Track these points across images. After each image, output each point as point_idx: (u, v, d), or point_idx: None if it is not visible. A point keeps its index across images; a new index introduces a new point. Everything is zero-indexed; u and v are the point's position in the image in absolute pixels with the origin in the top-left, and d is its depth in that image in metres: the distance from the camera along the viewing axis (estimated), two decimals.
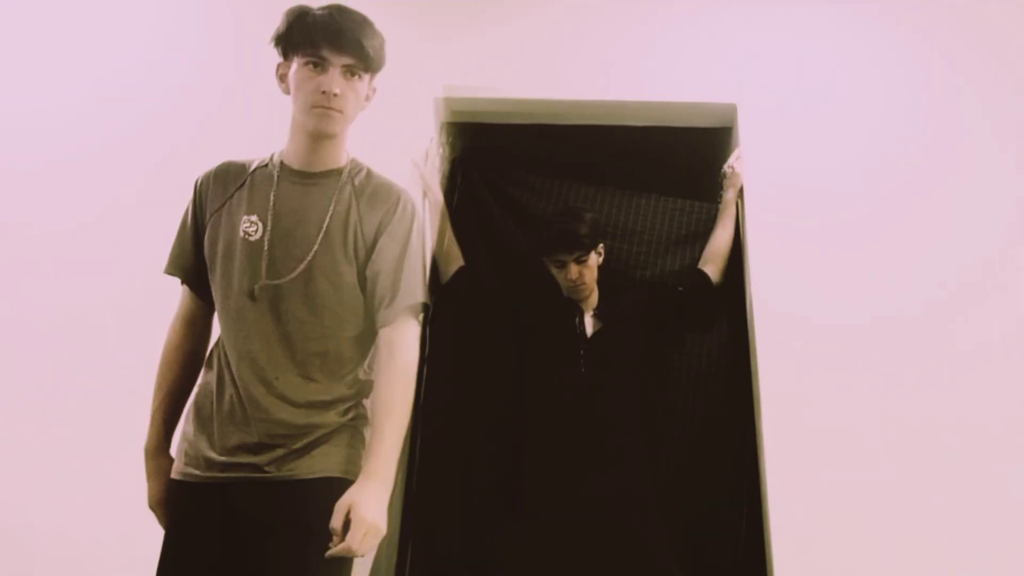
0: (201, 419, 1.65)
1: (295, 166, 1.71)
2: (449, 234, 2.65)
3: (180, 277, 1.75)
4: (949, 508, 2.38)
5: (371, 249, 1.67)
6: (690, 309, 2.67)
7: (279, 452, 1.56)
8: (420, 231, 1.75)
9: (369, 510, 1.48)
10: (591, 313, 2.59)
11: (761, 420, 2.47)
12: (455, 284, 2.61)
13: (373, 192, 1.72)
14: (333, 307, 1.64)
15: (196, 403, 1.69)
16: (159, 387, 1.71)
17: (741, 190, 2.68)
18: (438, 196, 2.66)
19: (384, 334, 1.66)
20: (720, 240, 2.68)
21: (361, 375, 1.69)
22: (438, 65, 2.86)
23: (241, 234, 1.63)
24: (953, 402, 2.47)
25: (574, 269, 2.54)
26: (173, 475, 1.66)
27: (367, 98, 1.78)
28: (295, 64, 1.65)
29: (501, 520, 2.40)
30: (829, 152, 2.74)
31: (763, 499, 2.46)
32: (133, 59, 2.90)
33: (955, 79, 2.80)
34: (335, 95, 1.63)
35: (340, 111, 1.66)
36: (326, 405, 1.62)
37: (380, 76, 2.86)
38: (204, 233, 1.70)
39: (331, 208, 1.66)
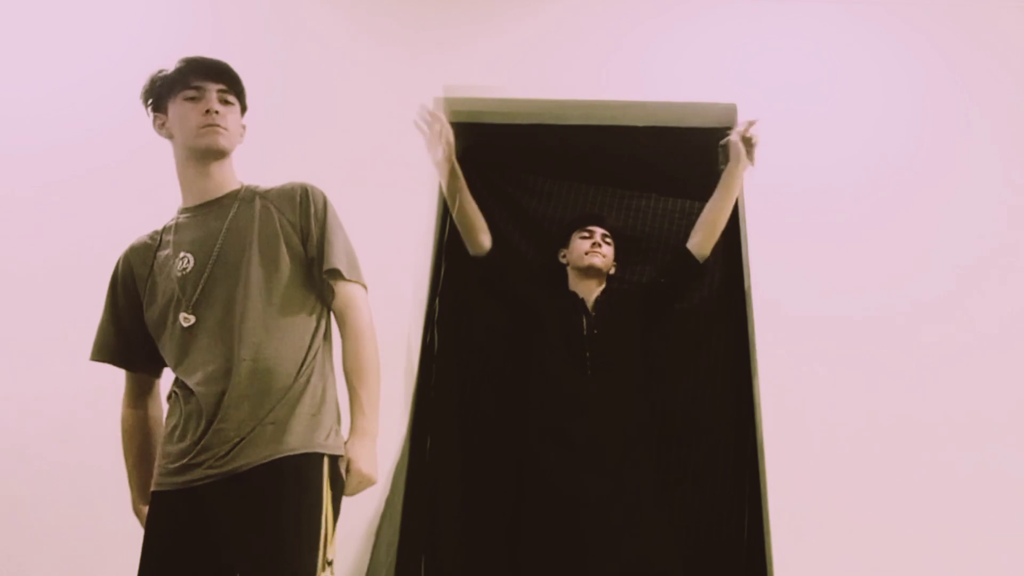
0: (172, 440, 1.74)
1: (194, 203, 1.83)
2: (465, 197, 2.55)
3: (108, 360, 1.85)
4: (949, 503, 2.38)
5: (302, 234, 1.82)
6: (675, 295, 2.66)
7: (241, 442, 1.65)
8: (332, 209, 1.87)
9: (365, 463, 1.72)
10: (592, 304, 2.59)
11: (761, 419, 2.47)
12: (488, 268, 2.60)
13: (279, 193, 1.85)
14: (278, 289, 1.76)
15: (170, 429, 1.77)
16: (127, 459, 1.86)
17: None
18: (437, 155, 2.51)
19: (335, 304, 1.83)
20: (712, 210, 2.57)
21: (301, 349, 1.77)
22: (438, 65, 2.86)
23: (178, 274, 1.76)
24: (952, 398, 2.47)
25: (599, 236, 2.63)
26: (153, 487, 1.74)
27: (242, 131, 1.88)
28: (172, 107, 1.80)
29: (507, 529, 2.39)
30: (828, 152, 2.74)
31: (763, 497, 2.46)
32: (126, 52, 2.90)
33: (954, 79, 2.81)
34: (217, 112, 1.77)
35: (225, 128, 1.79)
36: (291, 375, 1.72)
37: (381, 75, 2.90)
38: (140, 310, 1.82)
39: (241, 216, 1.80)
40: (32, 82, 2.87)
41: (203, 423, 1.68)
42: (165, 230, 1.86)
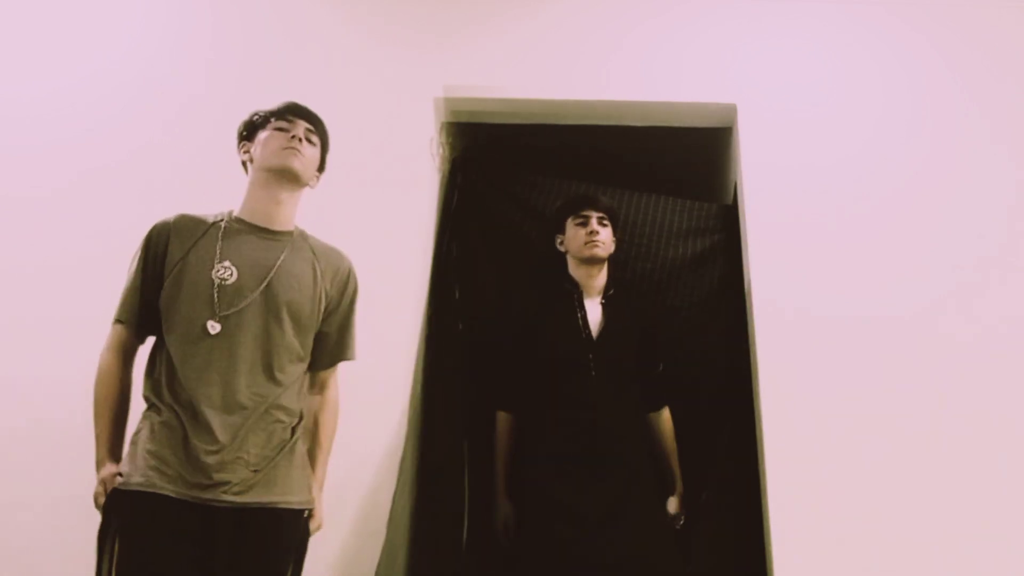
0: (172, 442, 1.76)
1: (255, 222, 1.94)
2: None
3: (134, 322, 1.89)
4: (950, 502, 2.38)
5: (329, 306, 1.98)
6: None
7: (255, 477, 1.78)
8: (357, 295, 2.07)
9: (321, 512, 1.97)
10: (597, 299, 2.56)
11: (761, 418, 2.47)
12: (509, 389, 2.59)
13: (327, 255, 2.01)
14: (296, 345, 1.90)
15: (160, 427, 1.78)
16: (103, 412, 1.85)
17: None
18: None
19: (321, 375, 2.03)
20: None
21: (299, 404, 1.94)
22: (438, 65, 2.86)
23: (215, 280, 1.83)
24: (953, 397, 2.47)
25: (595, 222, 2.55)
26: (140, 487, 1.73)
27: (318, 172, 2.07)
28: (260, 134, 1.97)
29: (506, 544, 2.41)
30: (828, 152, 2.74)
31: (763, 496, 2.46)
32: (126, 52, 2.90)
33: (954, 79, 2.81)
34: (300, 139, 1.96)
35: (303, 153, 1.95)
36: (288, 427, 1.87)
37: (381, 75, 2.90)
38: (160, 281, 1.87)
39: (294, 262, 1.93)
40: (32, 82, 2.87)
41: (216, 443, 1.75)
42: (215, 226, 1.92)
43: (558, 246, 2.67)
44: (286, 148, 1.92)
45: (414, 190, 2.74)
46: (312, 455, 1.97)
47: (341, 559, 2.36)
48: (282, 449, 1.83)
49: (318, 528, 1.94)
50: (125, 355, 1.90)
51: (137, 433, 1.81)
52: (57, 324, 2.57)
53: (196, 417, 1.76)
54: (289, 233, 1.97)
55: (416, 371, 2.61)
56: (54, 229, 2.70)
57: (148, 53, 2.92)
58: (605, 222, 2.59)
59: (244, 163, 2.03)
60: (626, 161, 2.97)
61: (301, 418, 1.91)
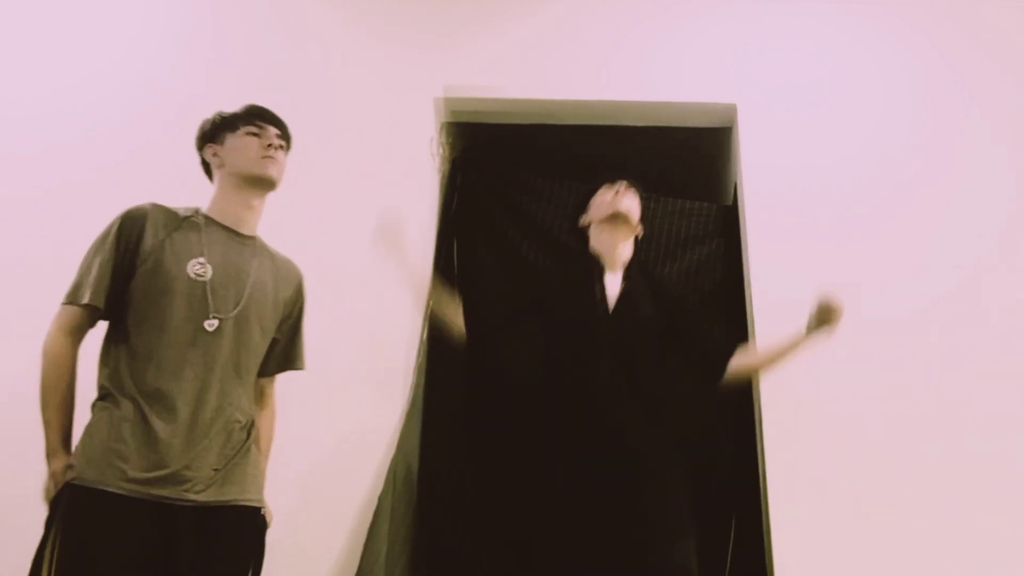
0: (134, 438, 1.73)
1: (226, 223, 1.95)
2: (446, 305, 2.41)
3: (93, 306, 1.84)
4: (950, 501, 2.38)
5: (284, 314, 2.02)
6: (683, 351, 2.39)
7: (215, 476, 1.78)
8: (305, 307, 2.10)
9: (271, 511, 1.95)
10: (619, 272, 2.37)
11: (761, 417, 2.48)
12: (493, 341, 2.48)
13: (285, 264, 2.05)
14: (257, 351, 1.94)
15: (121, 421, 1.75)
16: (54, 399, 1.81)
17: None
18: (415, 272, 2.42)
19: (263, 382, 2.04)
20: (762, 361, 2.34)
21: (251, 408, 1.96)
22: (438, 65, 2.86)
23: (191, 275, 1.83)
24: (953, 395, 2.48)
25: (623, 187, 2.42)
26: (97, 485, 1.69)
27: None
28: (231, 138, 1.98)
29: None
30: (828, 152, 2.74)
31: (763, 496, 2.46)
32: (126, 52, 2.90)
33: (954, 79, 2.81)
34: (275, 147, 1.97)
35: (279, 161, 1.99)
36: (244, 428, 1.89)
37: (381, 75, 2.90)
38: (133, 268, 1.84)
39: (260, 268, 1.96)
40: (32, 82, 2.87)
41: (182, 440, 1.74)
42: (188, 220, 1.91)
43: (581, 223, 2.51)
44: (264, 157, 1.95)
45: (414, 190, 2.75)
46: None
47: (338, 562, 2.35)
48: (240, 449, 1.84)
49: (267, 526, 1.93)
50: (77, 339, 1.85)
51: (93, 424, 1.76)
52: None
53: (163, 412, 1.74)
54: (254, 239, 1.99)
55: (416, 372, 2.61)
56: (54, 229, 2.70)
57: (148, 53, 2.92)
58: (634, 192, 2.46)
59: (205, 163, 2.02)
60: (626, 161, 2.96)
61: (253, 424, 1.93)
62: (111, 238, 1.85)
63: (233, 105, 2.05)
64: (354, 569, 2.22)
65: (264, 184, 1.97)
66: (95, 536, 1.65)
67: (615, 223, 2.39)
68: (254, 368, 1.93)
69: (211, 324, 1.82)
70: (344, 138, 2.79)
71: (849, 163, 2.73)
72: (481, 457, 2.57)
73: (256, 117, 2.00)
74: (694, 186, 2.82)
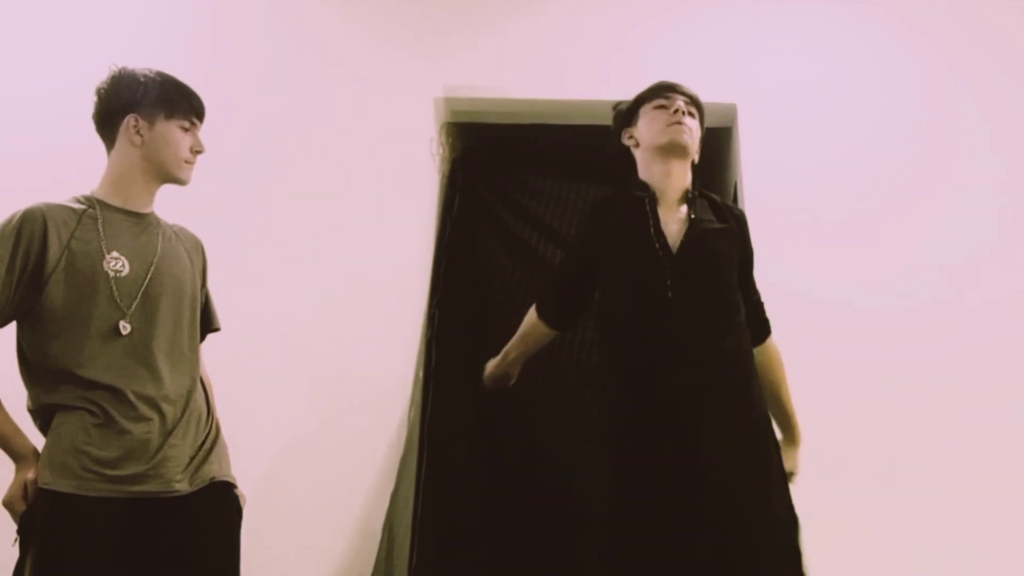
0: (104, 440, 1.69)
1: (125, 207, 1.85)
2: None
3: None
4: (951, 499, 2.40)
5: (201, 281, 1.96)
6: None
7: (191, 462, 1.76)
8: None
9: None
10: (678, 206, 1.99)
11: None
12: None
13: (189, 239, 1.97)
14: (194, 326, 1.89)
15: (88, 425, 1.70)
16: None
17: None
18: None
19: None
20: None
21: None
22: (438, 65, 2.86)
23: (110, 272, 1.76)
24: (953, 394, 2.50)
25: (682, 103, 2.03)
26: (74, 490, 1.65)
27: None
28: (160, 124, 1.85)
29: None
30: (828, 151, 2.74)
31: None
32: (126, 52, 2.90)
33: (954, 79, 2.81)
34: (201, 152, 1.91)
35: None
36: (207, 406, 1.87)
37: (381, 75, 2.90)
38: (42, 276, 1.72)
39: (167, 242, 1.88)
40: (32, 82, 2.87)
41: (156, 435, 1.71)
42: (86, 213, 1.79)
43: (625, 140, 2.13)
44: (189, 163, 1.88)
45: (414, 190, 2.75)
46: None
47: (341, 560, 2.36)
48: (209, 431, 1.83)
49: (244, 502, 1.88)
50: None
51: (57, 432, 1.69)
52: None
53: (126, 410, 1.70)
54: (152, 215, 1.89)
55: (417, 372, 2.61)
56: None
57: (148, 53, 2.89)
58: (693, 112, 2.07)
59: (122, 132, 1.86)
60: (626, 161, 2.96)
61: (209, 400, 1.89)
62: (7, 246, 1.70)
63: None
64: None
65: (164, 184, 1.89)
66: (74, 542, 1.63)
67: (670, 154, 2.01)
68: (196, 341, 1.89)
69: (125, 328, 1.73)
70: (344, 138, 2.79)
71: (849, 163, 2.73)
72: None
73: (191, 109, 1.90)
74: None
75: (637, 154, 2.10)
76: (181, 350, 1.82)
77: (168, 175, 1.88)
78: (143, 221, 1.85)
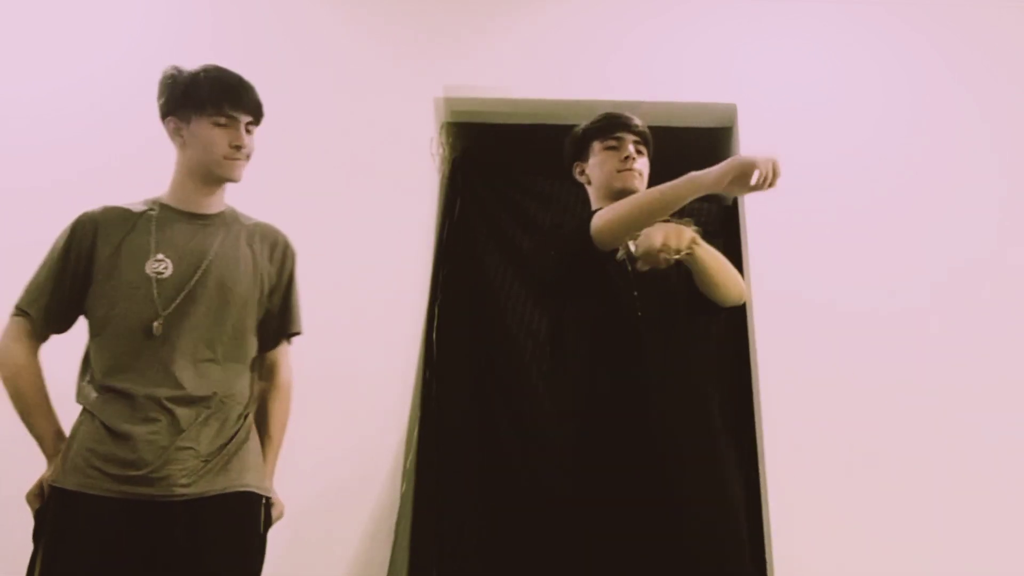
0: (114, 438, 1.70)
1: (186, 209, 1.86)
2: None
3: (40, 318, 1.80)
4: (951, 498, 2.40)
5: (270, 285, 1.91)
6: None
7: (205, 467, 1.72)
8: (295, 266, 1.97)
9: (279, 500, 1.89)
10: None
11: (761, 415, 2.48)
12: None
13: (262, 236, 1.93)
14: (242, 330, 1.84)
15: (99, 424, 1.72)
16: (37, 405, 1.78)
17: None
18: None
19: (269, 357, 1.94)
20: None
21: (249, 391, 1.88)
22: (438, 65, 2.86)
23: (151, 275, 1.77)
24: (953, 394, 2.49)
25: (631, 147, 2.06)
26: (77, 488, 1.67)
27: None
28: (196, 123, 1.83)
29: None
30: (828, 151, 2.74)
31: (763, 496, 2.46)
32: (126, 52, 2.90)
33: (954, 79, 2.81)
34: (244, 147, 1.85)
35: (246, 160, 1.87)
36: (239, 416, 1.82)
37: (381, 75, 2.90)
38: (89, 279, 1.79)
39: (226, 243, 1.86)
40: (32, 82, 2.87)
41: (162, 436, 1.69)
42: (144, 216, 1.83)
43: (576, 175, 2.16)
44: (230, 159, 1.83)
45: (414, 190, 2.75)
46: (262, 448, 1.88)
47: (349, 562, 2.36)
48: (234, 437, 1.78)
49: (280, 516, 1.87)
50: (27, 345, 1.80)
51: (74, 430, 1.74)
52: None
53: (139, 412, 1.70)
54: (221, 215, 1.89)
55: (418, 372, 2.61)
56: (54, 229, 2.70)
57: (148, 53, 2.91)
58: (641, 149, 2.10)
59: (170, 135, 1.86)
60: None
61: (248, 405, 1.85)
62: (60, 248, 1.81)
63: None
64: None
65: (220, 184, 1.87)
66: (77, 540, 1.64)
67: (620, 198, 1.98)
68: (241, 350, 1.84)
69: (157, 329, 1.73)
70: (344, 138, 2.79)
71: (849, 163, 2.73)
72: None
73: (227, 103, 1.83)
74: None
75: (589, 190, 2.14)
76: (216, 352, 1.79)
77: (210, 174, 1.85)
78: (205, 222, 1.86)
